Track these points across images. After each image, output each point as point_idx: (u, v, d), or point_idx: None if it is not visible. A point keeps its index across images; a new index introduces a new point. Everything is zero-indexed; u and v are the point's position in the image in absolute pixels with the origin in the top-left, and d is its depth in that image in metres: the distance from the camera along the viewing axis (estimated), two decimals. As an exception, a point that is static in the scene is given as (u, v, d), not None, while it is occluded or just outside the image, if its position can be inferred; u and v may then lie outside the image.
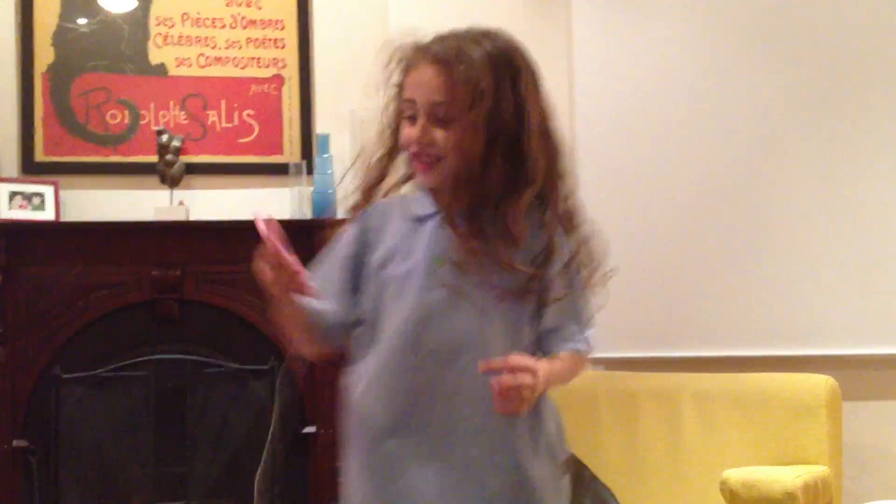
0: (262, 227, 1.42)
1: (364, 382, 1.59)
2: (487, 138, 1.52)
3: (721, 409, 2.93)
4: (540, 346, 1.60)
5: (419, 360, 1.54)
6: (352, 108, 3.76)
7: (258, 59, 3.88)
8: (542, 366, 1.48)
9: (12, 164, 3.63)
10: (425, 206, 1.62)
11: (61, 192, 3.61)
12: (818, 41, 3.21)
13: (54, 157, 3.69)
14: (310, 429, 3.56)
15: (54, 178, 3.63)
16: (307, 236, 3.59)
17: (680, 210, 3.45)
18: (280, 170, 3.78)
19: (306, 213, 3.68)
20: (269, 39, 3.89)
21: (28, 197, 3.56)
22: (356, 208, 1.65)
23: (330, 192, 3.65)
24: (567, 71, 4.00)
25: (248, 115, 3.86)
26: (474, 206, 1.56)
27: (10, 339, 3.43)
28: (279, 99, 3.89)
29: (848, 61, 3.15)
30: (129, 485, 3.52)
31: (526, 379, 1.43)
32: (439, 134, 1.54)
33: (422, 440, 1.54)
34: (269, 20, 3.89)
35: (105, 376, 3.49)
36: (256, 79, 3.88)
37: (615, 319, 3.60)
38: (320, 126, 3.84)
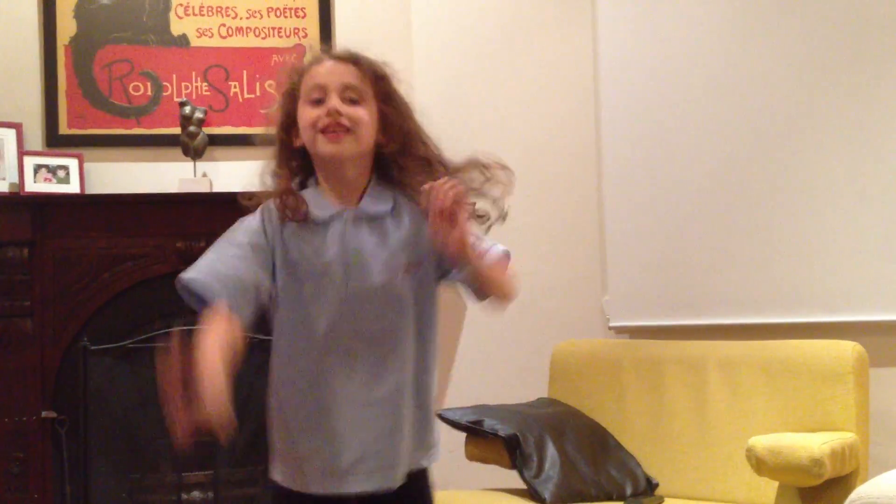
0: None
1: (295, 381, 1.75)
2: (384, 120, 1.74)
3: (747, 376, 2.92)
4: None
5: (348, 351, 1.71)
6: (373, 77, 3.74)
7: (279, 28, 3.87)
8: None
9: (37, 137, 3.65)
10: (322, 206, 1.74)
11: (85, 165, 3.63)
12: (840, 9, 3.16)
13: (78, 129, 3.70)
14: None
15: (78, 150, 3.65)
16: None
17: (706, 177, 3.42)
18: (302, 140, 3.77)
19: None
20: (290, 8, 3.88)
21: (53, 170, 3.58)
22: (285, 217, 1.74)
23: (352, 162, 3.65)
24: (591, 45, 3.97)
25: (270, 85, 3.85)
26: (373, 191, 1.75)
27: (38, 312, 3.46)
28: (301, 69, 3.87)
29: (870, 30, 3.10)
30: (157, 454, 3.56)
31: (456, 189, 1.59)
32: (351, 108, 1.71)
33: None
34: (290, -11, 3.88)
35: (131, 347, 3.52)
36: (278, 49, 3.86)
37: (640, 287, 3.62)
38: (342, 96, 3.82)
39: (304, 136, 1.74)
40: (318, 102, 1.71)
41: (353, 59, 1.76)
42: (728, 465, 2.87)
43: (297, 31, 3.88)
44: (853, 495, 1.85)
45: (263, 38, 3.86)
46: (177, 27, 3.80)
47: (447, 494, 3.00)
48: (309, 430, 1.72)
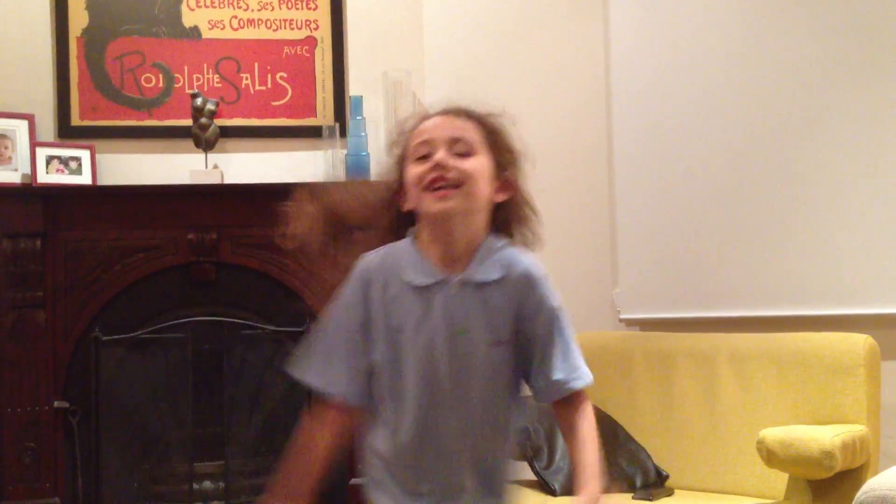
0: None
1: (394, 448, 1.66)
2: (499, 172, 1.65)
3: (758, 368, 2.91)
4: (543, 390, 1.67)
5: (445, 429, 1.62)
6: (384, 69, 3.75)
7: (291, 20, 3.87)
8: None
9: (49, 128, 3.66)
10: (423, 271, 1.63)
11: (97, 156, 3.64)
12: (851, 5, 3.14)
13: (90, 121, 3.72)
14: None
15: (90, 142, 3.66)
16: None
17: (716, 171, 3.42)
18: (313, 132, 3.78)
19: (340, 176, 3.67)
20: (302, 0, 3.88)
21: (65, 161, 3.59)
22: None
23: (363, 154, 3.65)
24: (603, 41, 3.96)
25: (282, 77, 3.85)
26: (484, 254, 1.64)
27: (50, 303, 3.47)
28: (312, 61, 3.88)
29: (882, 26, 3.08)
30: (168, 445, 3.58)
31: None
32: (460, 161, 1.61)
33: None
34: (301, -19, 3.89)
35: (143, 338, 3.53)
36: (289, 41, 3.87)
37: (650, 280, 3.62)
38: (353, 88, 3.83)
39: (412, 196, 1.64)
40: (425, 158, 1.62)
41: (462, 112, 1.68)
42: (738, 458, 2.86)
43: (308, 23, 3.88)
44: (864, 488, 1.84)
45: (275, 31, 3.86)
46: (188, 19, 3.81)
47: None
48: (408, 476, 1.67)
